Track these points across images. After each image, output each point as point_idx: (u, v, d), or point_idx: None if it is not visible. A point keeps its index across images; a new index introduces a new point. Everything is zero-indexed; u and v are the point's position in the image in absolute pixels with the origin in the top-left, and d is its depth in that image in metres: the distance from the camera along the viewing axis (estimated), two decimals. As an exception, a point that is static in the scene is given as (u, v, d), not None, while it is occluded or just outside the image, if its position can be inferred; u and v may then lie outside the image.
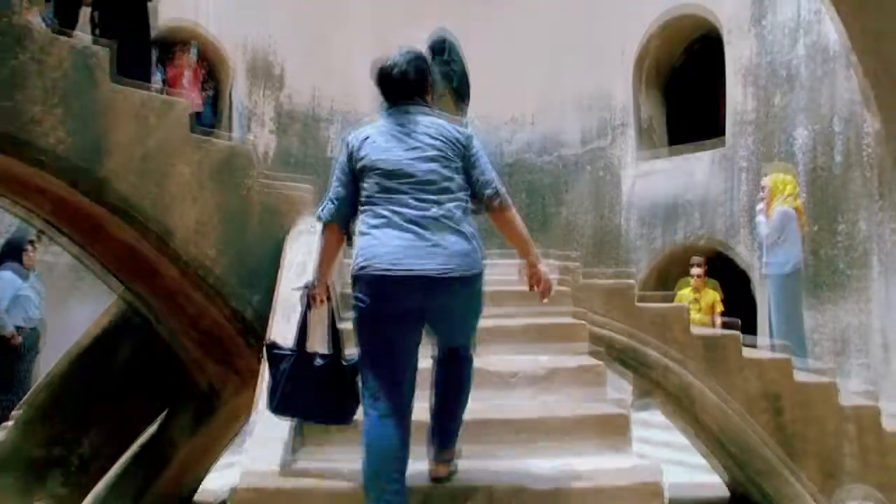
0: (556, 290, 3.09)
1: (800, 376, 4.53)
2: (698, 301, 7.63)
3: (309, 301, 2.28)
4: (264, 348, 2.35)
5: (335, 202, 2.20)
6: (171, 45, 8.49)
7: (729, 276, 8.34)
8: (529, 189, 9.84)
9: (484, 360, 2.92)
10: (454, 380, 2.24)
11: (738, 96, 8.15)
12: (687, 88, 9.62)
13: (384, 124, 2.21)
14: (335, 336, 2.33)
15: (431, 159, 2.13)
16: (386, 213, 2.09)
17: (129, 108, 2.79)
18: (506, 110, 9.59)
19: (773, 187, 5.75)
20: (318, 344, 2.32)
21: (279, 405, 2.26)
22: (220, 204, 3.06)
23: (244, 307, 3.07)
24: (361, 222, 2.17)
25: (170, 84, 8.41)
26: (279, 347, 2.33)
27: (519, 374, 2.92)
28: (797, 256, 5.55)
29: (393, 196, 2.10)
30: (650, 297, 5.10)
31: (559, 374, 2.94)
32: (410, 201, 2.09)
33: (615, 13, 9.02)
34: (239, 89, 9.04)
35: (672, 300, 7.83)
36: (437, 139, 2.16)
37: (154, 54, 8.38)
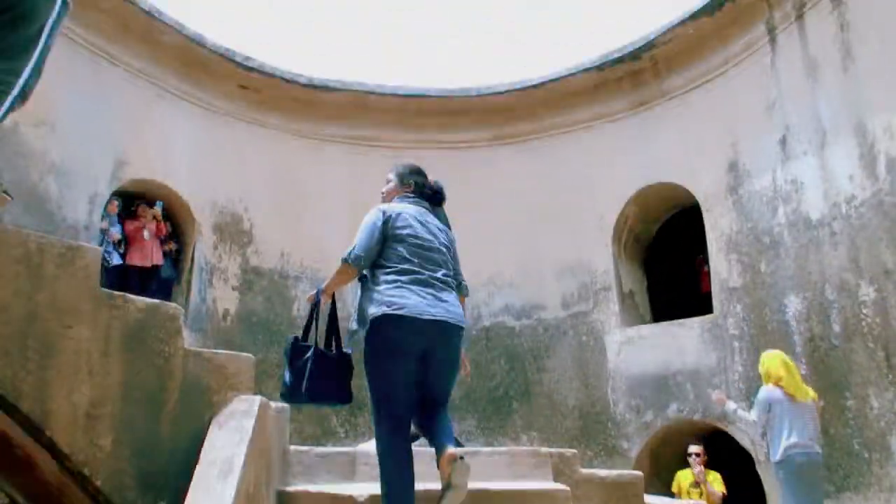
0: (555, 489, 3.07)
1: None
2: (699, 486, 6.86)
3: (315, 305, 2.96)
4: (290, 342, 2.95)
5: (365, 253, 2.84)
6: (135, 199, 8.18)
7: (731, 456, 7.55)
8: (508, 354, 9.21)
9: None
10: (442, 419, 2.75)
11: (721, 264, 7.92)
12: (667, 258, 9.49)
13: (411, 210, 3.00)
14: (337, 334, 3.04)
15: (441, 242, 2.99)
16: (411, 273, 2.81)
17: (17, 254, 2.19)
18: (482, 272, 9.24)
19: (761, 370, 5.56)
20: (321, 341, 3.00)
21: (307, 392, 2.83)
22: (126, 378, 2.37)
23: (142, 519, 2.26)
24: (390, 275, 2.80)
25: (129, 239, 7.97)
26: (301, 341, 2.95)
27: None
28: (784, 441, 5.08)
29: (416, 261, 2.84)
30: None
31: None
32: (428, 267, 2.86)
33: (592, 183, 9.06)
34: (204, 244, 8.60)
35: (670, 489, 7.05)
36: (443, 232, 3.06)
37: (117, 207, 8.05)
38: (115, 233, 7.80)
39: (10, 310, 2.14)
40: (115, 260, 7.77)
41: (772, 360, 5.33)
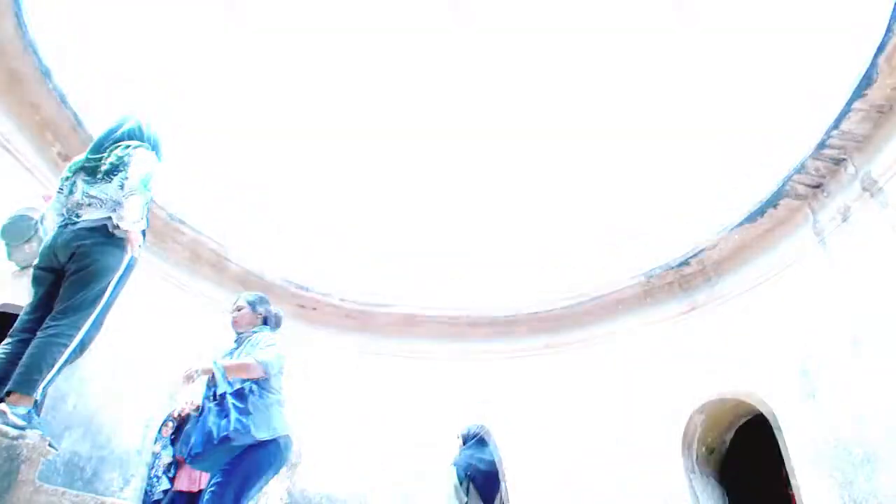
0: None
1: None
2: None
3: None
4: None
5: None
6: (185, 419, 8.13)
7: None
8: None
9: None
10: None
11: (811, 482, 7.08)
12: (746, 475, 8.63)
13: None
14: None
15: None
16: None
17: (51, 513, 2.09)
18: (538, 485, 8.53)
19: None
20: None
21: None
22: None
23: None
24: (280, 401, 3.56)
25: (178, 462, 7.79)
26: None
27: None
28: None
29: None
30: None
31: None
32: None
33: (650, 389, 8.65)
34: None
35: None
36: None
37: (171, 430, 7.98)
38: (167, 456, 7.66)
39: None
40: (164, 485, 7.52)
41: None
